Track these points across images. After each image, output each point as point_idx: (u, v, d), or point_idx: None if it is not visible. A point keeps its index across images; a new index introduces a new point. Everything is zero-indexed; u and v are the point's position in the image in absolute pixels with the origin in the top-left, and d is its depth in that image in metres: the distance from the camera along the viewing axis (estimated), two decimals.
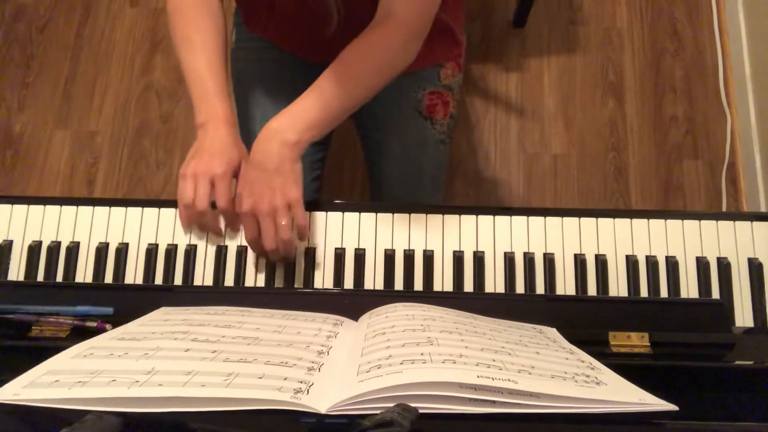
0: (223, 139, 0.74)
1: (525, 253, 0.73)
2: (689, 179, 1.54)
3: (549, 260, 0.73)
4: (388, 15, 0.74)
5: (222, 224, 0.75)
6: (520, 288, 0.72)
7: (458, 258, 0.73)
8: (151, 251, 0.74)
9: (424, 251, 0.74)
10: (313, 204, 0.76)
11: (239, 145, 0.76)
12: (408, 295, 0.70)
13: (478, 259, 0.73)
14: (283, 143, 0.70)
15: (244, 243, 0.74)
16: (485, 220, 0.75)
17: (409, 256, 0.74)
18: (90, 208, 0.76)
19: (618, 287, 0.72)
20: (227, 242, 0.75)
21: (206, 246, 0.74)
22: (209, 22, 0.80)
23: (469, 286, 0.73)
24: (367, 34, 0.75)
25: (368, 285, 0.73)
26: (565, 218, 0.74)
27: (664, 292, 0.71)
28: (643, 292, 0.71)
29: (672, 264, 0.72)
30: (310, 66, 0.97)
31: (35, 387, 0.40)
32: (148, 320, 0.55)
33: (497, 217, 0.75)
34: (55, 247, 0.74)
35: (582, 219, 0.74)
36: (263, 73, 0.96)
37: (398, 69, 0.77)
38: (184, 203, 0.72)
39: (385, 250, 0.74)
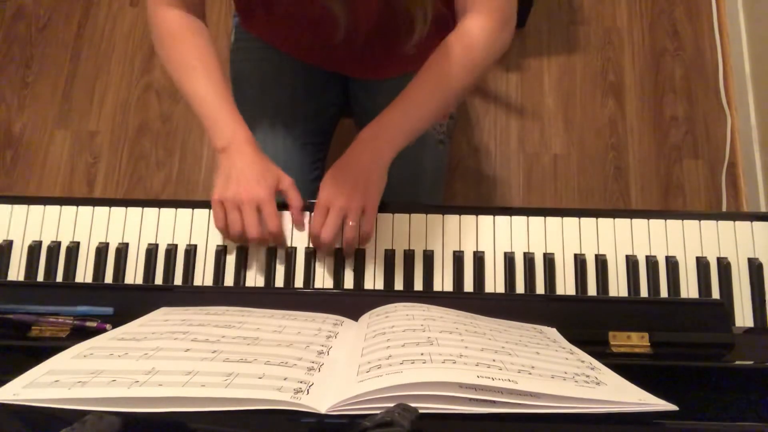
0: (254, 161, 0.72)
1: (525, 253, 0.73)
2: (689, 179, 1.54)
3: (549, 260, 0.73)
4: (467, 9, 0.74)
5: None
6: (520, 288, 0.72)
7: (458, 258, 0.73)
8: (151, 251, 0.74)
9: (424, 251, 0.74)
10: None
11: (271, 163, 0.74)
12: (408, 295, 0.70)
13: (478, 259, 0.73)
14: (375, 153, 0.72)
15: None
16: (485, 220, 0.75)
17: (409, 256, 0.73)
18: (90, 208, 0.76)
19: (618, 287, 0.72)
20: (228, 242, 0.74)
21: (206, 246, 0.74)
22: (203, 44, 0.78)
23: (469, 286, 0.73)
24: (452, 34, 0.75)
25: (368, 285, 0.73)
26: (565, 218, 0.74)
27: (664, 292, 0.71)
28: (643, 292, 0.71)
29: (672, 264, 0.72)
30: (310, 67, 0.97)
31: (35, 387, 0.40)
32: (148, 320, 0.55)
33: (497, 217, 0.75)
34: (55, 247, 0.74)
35: (582, 219, 0.74)
36: (262, 73, 0.96)
37: (491, 63, 0.77)
38: (233, 235, 0.71)
39: (386, 250, 0.74)
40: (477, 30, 0.74)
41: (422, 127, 0.75)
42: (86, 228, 0.75)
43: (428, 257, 0.73)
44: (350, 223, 0.71)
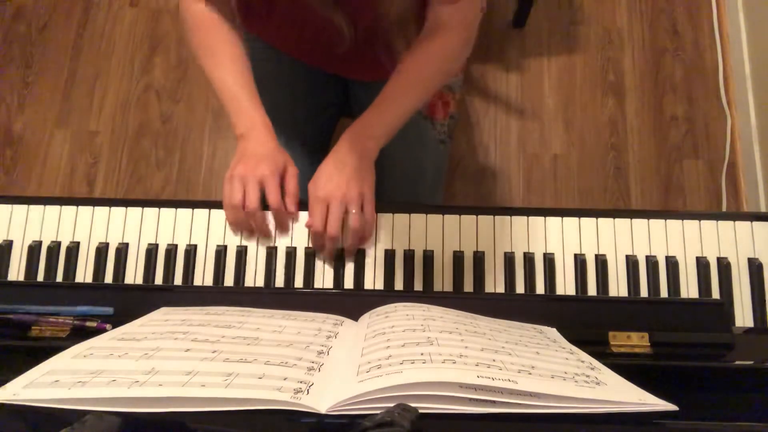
0: (267, 144, 0.76)
1: (525, 253, 0.73)
2: (689, 179, 1.54)
3: (549, 260, 0.73)
4: (438, 25, 0.78)
5: (271, 226, 0.75)
6: (520, 288, 0.72)
7: (458, 258, 0.73)
8: (151, 251, 0.74)
9: (424, 251, 0.74)
10: None
11: (283, 150, 0.78)
12: (408, 295, 0.70)
13: (478, 259, 0.73)
14: (362, 148, 0.75)
15: (245, 243, 0.74)
16: (485, 220, 0.75)
17: (409, 256, 0.73)
18: (90, 208, 0.76)
19: (618, 287, 0.72)
20: (229, 242, 0.75)
21: (206, 246, 0.74)
22: (231, 35, 0.81)
23: (469, 286, 0.73)
24: (423, 43, 0.79)
25: (368, 285, 0.73)
26: (565, 218, 0.74)
27: (664, 292, 0.71)
28: (643, 292, 0.71)
29: (672, 264, 0.72)
30: (310, 68, 0.97)
31: (35, 387, 0.40)
32: (148, 320, 0.55)
33: (497, 217, 0.75)
34: (55, 247, 0.74)
35: (582, 219, 0.74)
36: (262, 73, 0.96)
37: (455, 70, 0.85)
38: (233, 204, 0.73)
39: (386, 250, 0.74)
40: (448, 44, 0.79)
41: (400, 123, 0.78)
42: (86, 228, 0.75)
43: (428, 257, 0.73)
44: (353, 211, 0.72)
